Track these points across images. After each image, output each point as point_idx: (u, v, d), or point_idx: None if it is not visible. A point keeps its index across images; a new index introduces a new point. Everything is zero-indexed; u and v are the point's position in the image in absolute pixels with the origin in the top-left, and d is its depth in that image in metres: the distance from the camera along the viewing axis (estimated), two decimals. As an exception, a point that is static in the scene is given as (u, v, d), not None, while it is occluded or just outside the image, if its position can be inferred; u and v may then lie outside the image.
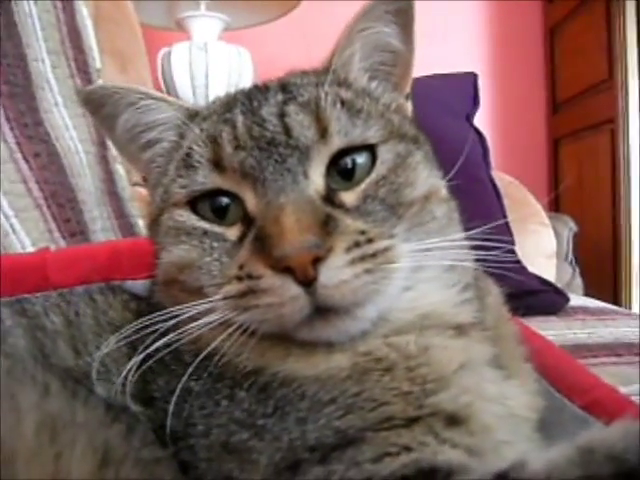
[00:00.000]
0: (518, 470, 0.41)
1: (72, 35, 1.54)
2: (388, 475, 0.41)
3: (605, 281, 2.87)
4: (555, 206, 3.05)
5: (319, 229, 0.48)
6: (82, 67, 1.55)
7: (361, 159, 0.55)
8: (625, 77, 2.76)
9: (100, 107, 0.62)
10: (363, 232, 0.50)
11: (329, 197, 0.53)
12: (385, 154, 0.55)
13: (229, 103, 0.60)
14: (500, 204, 1.51)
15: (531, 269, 1.48)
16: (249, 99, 0.58)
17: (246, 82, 2.51)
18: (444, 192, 0.59)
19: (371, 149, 0.56)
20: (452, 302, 0.55)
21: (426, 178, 0.57)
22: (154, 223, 0.61)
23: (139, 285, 0.70)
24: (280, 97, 0.56)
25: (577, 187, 3.04)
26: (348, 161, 0.54)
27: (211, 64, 2.38)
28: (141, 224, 1.65)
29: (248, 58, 2.52)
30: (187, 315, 0.51)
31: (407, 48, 0.62)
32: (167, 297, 0.57)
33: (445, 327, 0.53)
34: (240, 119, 0.55)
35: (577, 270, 2.52)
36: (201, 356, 0.49)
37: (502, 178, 1.88)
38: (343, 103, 0.55)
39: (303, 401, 0.46)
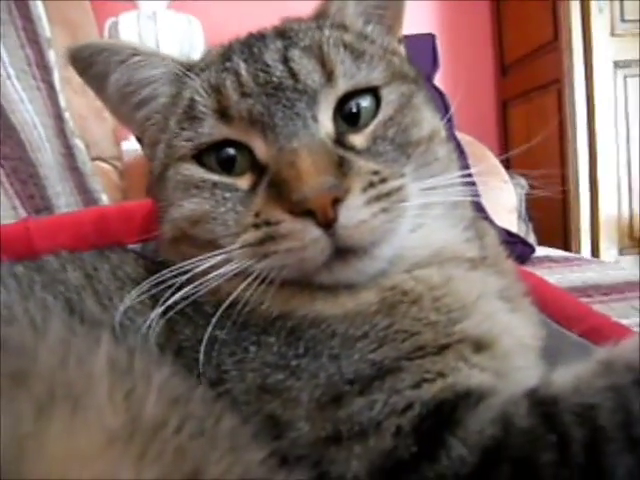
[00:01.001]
0: (546, 387, 0.44)
1: (19, 3, 1.46)
2: (429, 399, 0.43)
3: (556, 235, 2.99)
4: (506, 165, 3.13)
5: (335, 170, 0.48)
6: (32, 37, 1.48)
7: (365, 102, 0.55)
8: (570, 38, 2.84)
9: (89, 66, 0.59)
10: (376, 172, 0.50)
11: (339, 140, 0.53)
12: (389, 95, 0.56)
13: (226, 53, 0.59)
14: (465, 161, 1.54)
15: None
16: (248, 47, 0.57)
17: (198, 51, 2.45)
18: (444, 133, 0.60)
19: (374, 92, 0.55)
20: (460, 239, 0.57)
21: (429, 119, 0.58)
22: (158, 180, 0.59)
23: (136, 248, 0.69)
24: (280, 43, 0.56)
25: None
26: (353, 105, 0.54)
27: (161, 33, 2.31)
28: (105, 199, 1.61)
29: (198, 26, 2.46)
30: (202, 268, 0.51)
31: None
32: (175, 255, 0.56)
33: (460, 261, 0.55)
34: (243, 66, 0.54)
35: (530, 226, 2.62)
36: (223, 307, 0.49)
37: (462, 137, 1.92)
38: (345, 46, 0.55)
39: (334, 339, 0.47)
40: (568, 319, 0.64)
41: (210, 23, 2.57)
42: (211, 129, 0.54)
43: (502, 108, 3.49)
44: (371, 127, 0.54)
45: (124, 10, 2.43)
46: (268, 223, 0.49)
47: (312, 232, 0.47)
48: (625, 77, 2.83)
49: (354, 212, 0.48)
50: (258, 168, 0.53)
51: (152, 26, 2.30)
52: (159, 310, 0.49)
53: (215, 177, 0.54)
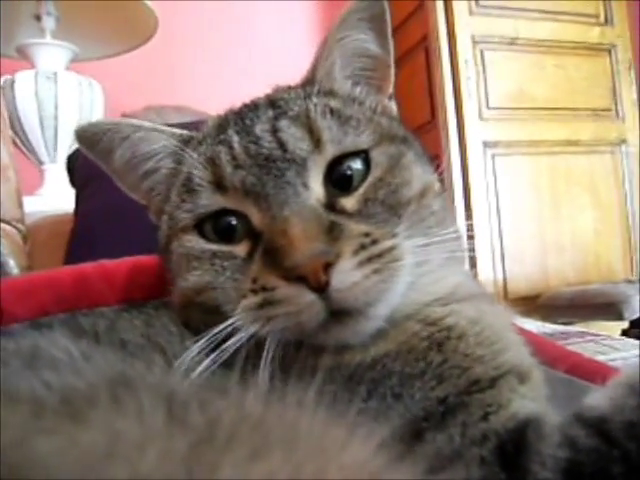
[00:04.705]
0: (589, 410, 0.49)
1: None
2: (500, 429, 0.46)
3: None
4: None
5: (325, 236, 0.50)
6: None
7: (355, 165, 0.57)
8: (445, 118, 3.18)
9: (95, 144, 0.62)
10: (367, 234, 0.52)
11: (330, 204, 0.55)
12: (378, 157, 0.57)
13: (221, 125, 0.61)
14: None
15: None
16: (241, 118, 0.60)
17: (97, 115, 2.40)
18: (437, 185, 0.62)
19: (364, 154, 0.57)
20: (468, 279, 0.62)
21: (420, 176, 0.59)
22: (164, 251, 0.61)
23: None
24: (271, 113, 0.58)
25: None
26: (343, 169, 0.56)
27: (61, 95, 2.24)
28: (12, 264, 1.49)
29: (99, 90, 2.42)
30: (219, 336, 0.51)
31: (384, 51, 0.64)
32: (187, 318, 0.58)
33: (481, 297, 0.59)
34: (236, 139, 0.57)
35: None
36: (267, 360, 0.49)
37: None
38: (332, 112, 0.58)
39: (392, 378, 0.49)
40: (550, 359, 0.71)
41: (111, 87, 2.54)
42: (208, 200, 0.56)
43: (386, 180, 3.74)
44: (361, 190, 0.56)
45: (17, 69, 2.33)
46: (265, 288, 0.51)
47: (306, 297, 0.49)
48: (493, 155, 3.21)
49: (346, 275, 0.49)
50: (254, 235, 0.55)
51: (52, 87, 2.22)
52: (203, 366, 0.50)
53: (214, 247, 0.56)
